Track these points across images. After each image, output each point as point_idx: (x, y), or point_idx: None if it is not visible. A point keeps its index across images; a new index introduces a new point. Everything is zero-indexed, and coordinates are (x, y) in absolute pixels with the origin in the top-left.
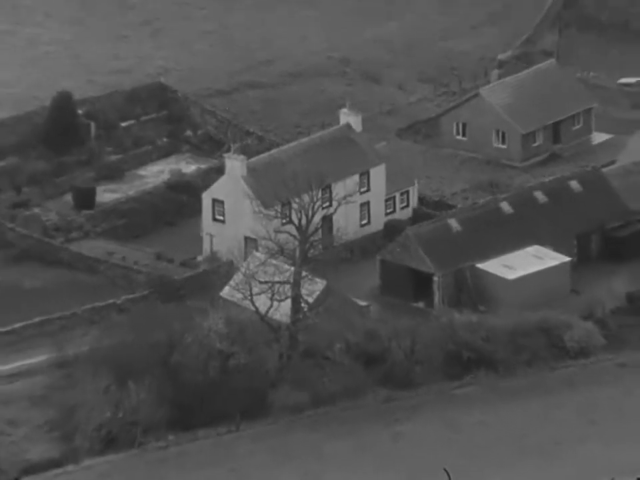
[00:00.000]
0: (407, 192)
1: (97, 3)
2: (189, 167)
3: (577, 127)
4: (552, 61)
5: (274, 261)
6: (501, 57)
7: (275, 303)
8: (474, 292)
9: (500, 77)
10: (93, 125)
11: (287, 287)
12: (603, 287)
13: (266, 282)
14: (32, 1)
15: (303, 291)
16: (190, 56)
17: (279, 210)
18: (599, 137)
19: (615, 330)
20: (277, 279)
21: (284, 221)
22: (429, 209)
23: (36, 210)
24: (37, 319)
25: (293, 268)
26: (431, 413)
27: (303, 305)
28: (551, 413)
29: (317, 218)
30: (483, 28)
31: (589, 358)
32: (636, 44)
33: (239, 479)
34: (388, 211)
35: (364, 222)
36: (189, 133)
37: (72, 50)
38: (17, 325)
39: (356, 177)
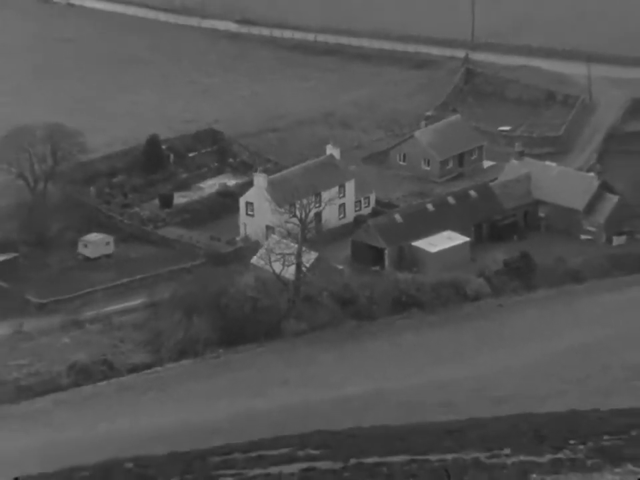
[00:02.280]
0: (368, 197)
1: (172, 79)
2: (231, 181)
3: (474, 156)
4: (458, 115)
5: (285, 241)
6: (427, 113)
7: (285, 267)
8: (410, 260)
9: (426, 125)
10: (171, 155)
11: (293, 257)
12: (489, 257)
13: (279, 254)
14: (128, 77)
15: (303, 259)
16: (231, 111)
17: (288, 208)
18: (487, 163)
19: (496, 283)
20: (286, 252)
21: (291, 215)
22: (382, 208)
23: (136, 209)
24: (137, 276)
25: (296, 245)
26: (382, 336)
27: (302, 268)
28: (457, 336)
29: (312, 214)
30: (415, 95)
31: (480, 301)
32: (509, 106)
33: (264, 376)
34: (356, 209)
35: (341, 216)
36: (231, 160)
37: (158, 108)
38: (125, 280)
39: (336, 188)
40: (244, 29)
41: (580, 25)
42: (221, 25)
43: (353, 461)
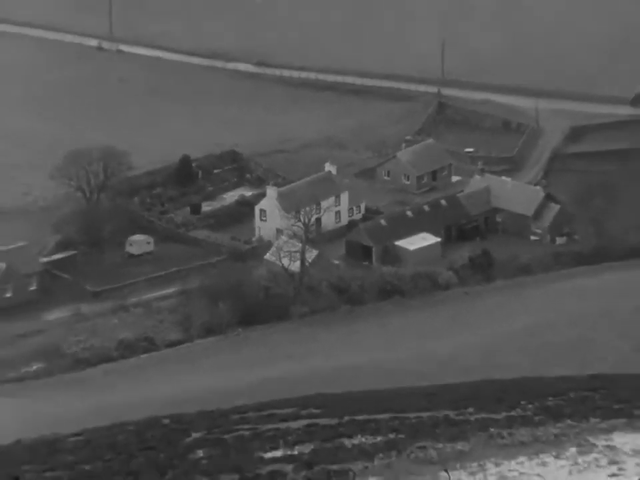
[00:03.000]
0: (359, 205)
1: (201, 110)
2: (248, 193)
3: (444, 173)
4: (431, 140)
5: (291, 241)
6: (407, 137)
7: (292, 262)
8: (393, 256)
9: (406, 147)
10: (200, 172)
11: (298, 254)
12: (457, 254)
13: (287, 251)
14: (165, 109)
15: (306, 256)
16: (249, 136)
17: (294, 214)
18: (455, 178)
19: (462, 275)
20: (293, 250)
21: (296, 220)
22: (370, 214)
23: (171, 215)
24: (172, 269)
25: (301, 244)
26: (371, 318)
27: (306, 263)
28: (431, 318)
29: (313, 219)
30: (397, 123)
31: (449, 289)
32: (473, 132)
33: (275, 350)
34: (349, 215)
35: (337, 221)
36: (248, 175)
37: (189, 134)
38: (162, 272)
39: (333, 198)
40: (260, 70)
41: (529, 67)
42: (242, 67)
43: (346, 418)
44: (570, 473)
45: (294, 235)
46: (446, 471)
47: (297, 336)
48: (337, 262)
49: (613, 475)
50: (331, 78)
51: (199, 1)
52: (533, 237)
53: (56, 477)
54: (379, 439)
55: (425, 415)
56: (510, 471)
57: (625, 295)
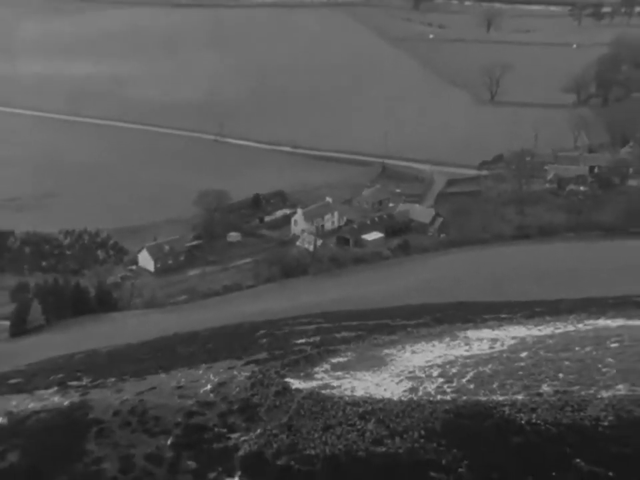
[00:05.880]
0: (343, 218)
1: (262, 171)
2: (288, 212)
3: (385, 202)
4: (379, 185)
5: (309, 235)
6: (367, 184)
7: (309, 246)
8: (360, 243)
9: (366, 189)
10: (263, 201)
11: (312, 242)
12: (391, 242)
13: (307, 241)
14: (245, 172)
15: (317, 243)
16: (288, 183)
17: (311, 222)
18: (391, 205)
19: (394, 252)
20: (310, 240)
21: (312, 225)
22: (349, 222)
23: (250, 222)
24: (249, 250)
25: (314, 237)
26: (349, 275)
27: (317, 247)
28: (379, 273)
29: (320, 225)
30: (361, 177)
31: (388, 260)
32: (400, 182)
33: (298, 290)
34: (339, 223)
35: (332, 226)
36: (288, 203)
37: (257, 184)
38: (245, 252)
39: (330, 214)
40: (294, 150)
41: (429, 150)
42: (285, 149)
43: (337, 323)
44: (447, 343)
45: (311, 233)
46: None
47: (312, 283)
48: (332, 246)
49: (466, 350)
50: (328, 154)
51: (262, 115)
52: (429, 234)
53: (197, 342)
54: (353, 334)
55: (376, 322)
56: (417, 349)
57: (473, 262)
